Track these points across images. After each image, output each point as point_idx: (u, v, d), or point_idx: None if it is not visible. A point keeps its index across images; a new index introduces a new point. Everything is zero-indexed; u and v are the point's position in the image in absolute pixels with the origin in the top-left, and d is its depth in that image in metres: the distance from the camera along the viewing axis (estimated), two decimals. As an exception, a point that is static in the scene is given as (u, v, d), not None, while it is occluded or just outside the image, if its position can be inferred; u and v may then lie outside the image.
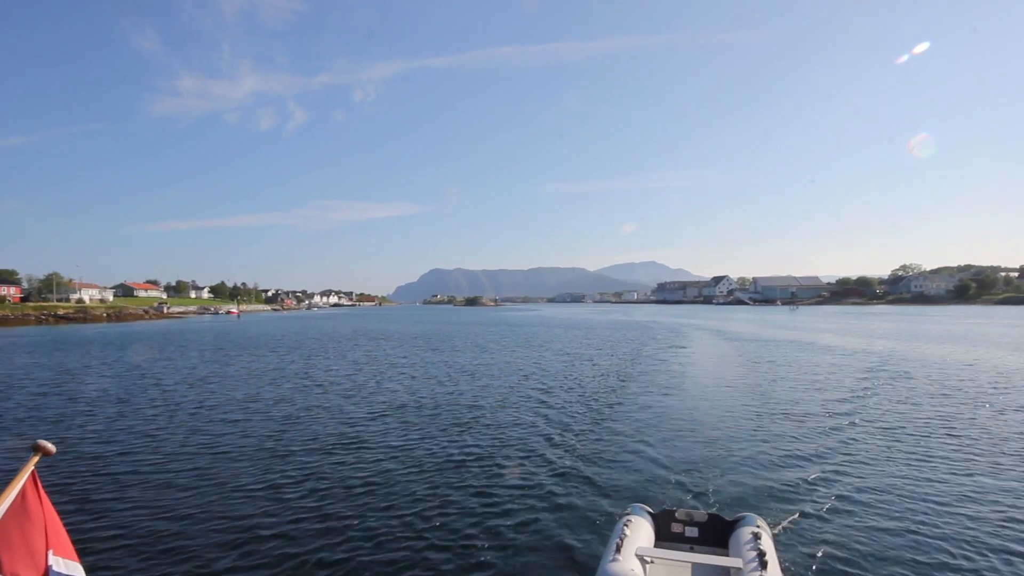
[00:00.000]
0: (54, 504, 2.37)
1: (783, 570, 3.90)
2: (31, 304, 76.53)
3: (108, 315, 73.18)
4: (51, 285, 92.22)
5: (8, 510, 2.11)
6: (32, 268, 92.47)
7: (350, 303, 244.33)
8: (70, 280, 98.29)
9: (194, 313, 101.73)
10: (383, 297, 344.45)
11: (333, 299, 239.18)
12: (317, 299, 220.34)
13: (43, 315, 66.01)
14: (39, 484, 2.27)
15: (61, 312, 69.79)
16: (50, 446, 2.34)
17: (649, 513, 4.64)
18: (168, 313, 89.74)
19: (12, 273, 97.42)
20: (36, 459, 2.28)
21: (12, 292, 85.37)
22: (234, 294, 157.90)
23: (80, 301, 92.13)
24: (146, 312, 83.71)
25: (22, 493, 2.18)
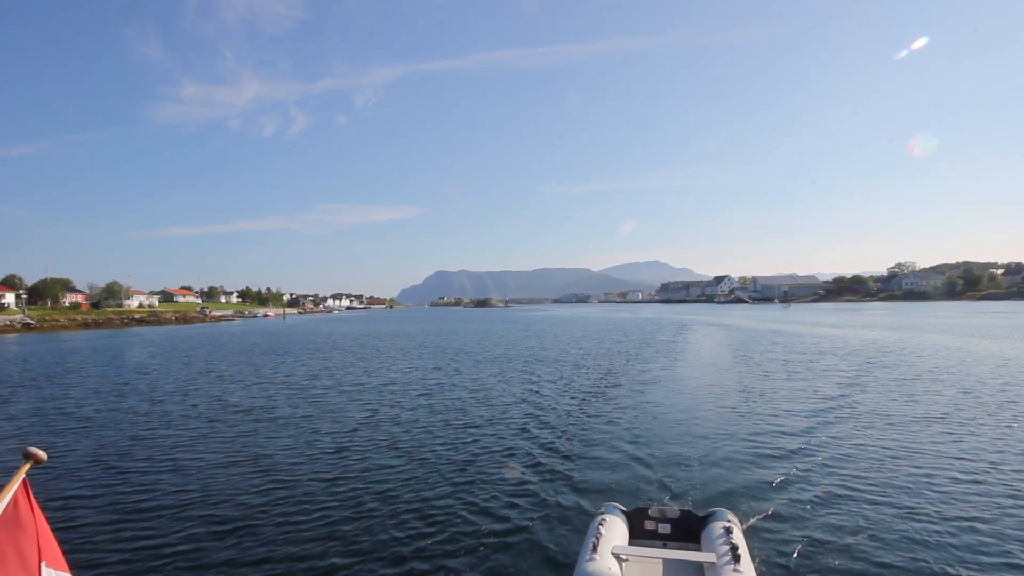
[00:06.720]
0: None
1: (755, 563, 3.98)
2: (110, 310, 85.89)
3: (176, 318, 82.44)
4: (115, 292, 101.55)
5: None
6: (33, 273, 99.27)
7: (362, 306, 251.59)
8: (127, 287, 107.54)
9: (231, 317, 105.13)
10: (392, 300, 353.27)
11: (346, 302, 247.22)
12: (331, 302, 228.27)
13: (123, 319, 75.21)
14: (31, 493, 2.20)
15: (137, 316, 79.14)
16: (41, 453, 2.25)
17: (623, 511, 4.70)
18: (212, 317, 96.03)
19: (67, 281, 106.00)
20: (27, 467, 2.21)
21: (80, 299, 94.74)
22: (262, 299, 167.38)
23: (142, 306, 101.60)
24: (203, 316, 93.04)
25: (13, 502, 2.11)
